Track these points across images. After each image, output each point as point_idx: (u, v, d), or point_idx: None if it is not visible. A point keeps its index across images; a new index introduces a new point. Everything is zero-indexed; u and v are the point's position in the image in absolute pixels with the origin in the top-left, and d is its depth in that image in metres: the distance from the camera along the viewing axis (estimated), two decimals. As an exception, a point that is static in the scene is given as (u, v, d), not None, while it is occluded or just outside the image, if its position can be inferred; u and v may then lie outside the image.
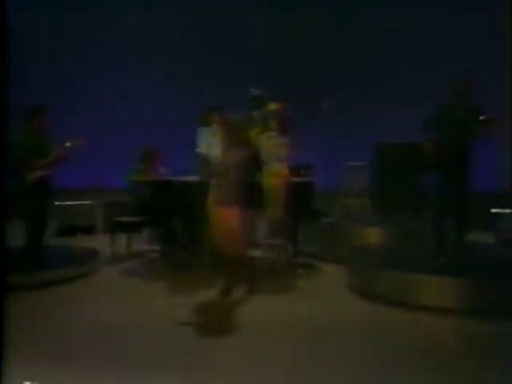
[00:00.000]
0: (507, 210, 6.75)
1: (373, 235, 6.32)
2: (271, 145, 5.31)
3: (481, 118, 4.79)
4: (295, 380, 3.13)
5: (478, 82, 4.93)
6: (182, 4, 9.79)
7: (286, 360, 3.41)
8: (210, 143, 5.66)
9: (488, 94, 8.58)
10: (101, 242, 6.78)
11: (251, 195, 4.42)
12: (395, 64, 9.04)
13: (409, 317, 4.21)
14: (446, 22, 9.06)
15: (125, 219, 6.46)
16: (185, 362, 3.32)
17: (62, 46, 9.94)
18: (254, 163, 5.01)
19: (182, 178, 5.64)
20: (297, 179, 5.53)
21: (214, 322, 4.12)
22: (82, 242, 7.18)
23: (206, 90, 8.30)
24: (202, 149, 5.80)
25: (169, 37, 9.70)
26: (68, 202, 8.01)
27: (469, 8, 8.97)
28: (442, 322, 4.12)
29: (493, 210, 6.82)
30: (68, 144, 5.37)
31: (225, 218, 4.21)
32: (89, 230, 8.10)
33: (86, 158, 6.72)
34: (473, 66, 8.56)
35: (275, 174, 5.19)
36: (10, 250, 5.76)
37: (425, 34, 9.04)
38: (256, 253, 5.60)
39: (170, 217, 5.80)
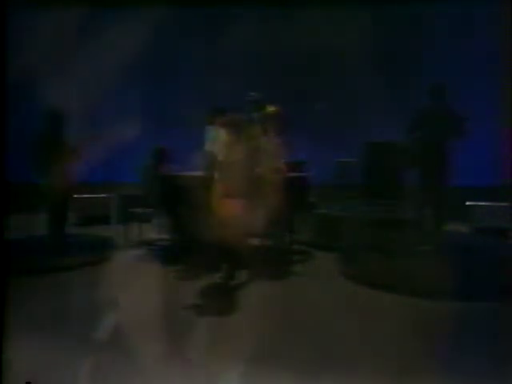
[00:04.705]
0: (480, 203, 7.10)
1: (362, 224, 6.70)
2: (270, 143, 5.60)
3: (458, 118, 5.25)
4: (295, 360, 3.40)
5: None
6: (185, 8, 9.92)
7: (284, 338, 3.76)
8: (216, 141, 5.72)
9: (488, 94, 8.88)
10: (115, 231, 7.10)
11: (252, 189, 4.71)
12: (392, 65, 9.02)
13: (395, 299, 4.60)
14: (445, 21, 9.13)
15: (137, 210, 6.70)
16: (187, 340, 3.72)
17: (73, 45, 9.81)
18: (255, 160, 5.20)
19: (188, 173, 5.88)
20: (292, 174, 5.80)
21: (217, 304, 4.47)
22: (99, 231, 7.47)
23: (211, 93, 8.35)
24: (209, 146, 5.98)
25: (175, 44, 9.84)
26: (85, 195, 8.28)
27: (469, 7, 9.08)
28: (425, 303, 4.48)
29: (468, 203, 7.14)
30: (85, 143, 5.74)
31: (229, 208, 4.49)
32: (104, 221, 8.35)
33: (102, 155, 6.90)
34: (473, 66, 8.84)
35: (273, 170, 5.49)
36: (36, 238, 6.38)
37: (423, 33, 9.08)
38: (256, 241, 5.81)
39: (178, 208, 5.97)
